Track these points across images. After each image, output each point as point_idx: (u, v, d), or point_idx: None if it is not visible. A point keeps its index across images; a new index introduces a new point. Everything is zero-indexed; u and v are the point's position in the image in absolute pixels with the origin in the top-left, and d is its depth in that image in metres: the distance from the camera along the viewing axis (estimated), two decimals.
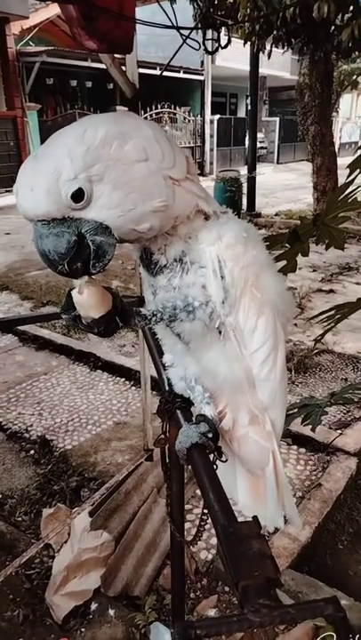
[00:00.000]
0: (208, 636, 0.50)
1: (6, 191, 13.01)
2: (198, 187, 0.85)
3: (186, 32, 1.59)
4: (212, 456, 0.91)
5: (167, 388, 1.03)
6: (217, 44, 1.61)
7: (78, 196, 0.72)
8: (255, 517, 0.64)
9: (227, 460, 0.99)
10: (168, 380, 1.02)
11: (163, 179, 0.78)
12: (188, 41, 1.53)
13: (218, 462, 0.95)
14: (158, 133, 0.80)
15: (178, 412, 0.99)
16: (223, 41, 1.73)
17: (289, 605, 0.53)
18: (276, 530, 2.27)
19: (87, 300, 0.80)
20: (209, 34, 2.18)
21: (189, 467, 0.92)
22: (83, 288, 0.79)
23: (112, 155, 0.74)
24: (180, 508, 1.13)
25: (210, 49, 1.75)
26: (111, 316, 0.80)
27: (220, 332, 0.87)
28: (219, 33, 1.56)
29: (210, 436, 0.91)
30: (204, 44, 1.66)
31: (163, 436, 1.06)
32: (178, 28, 1.54)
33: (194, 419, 0.96)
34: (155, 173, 0.77)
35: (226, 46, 1.57)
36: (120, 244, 0.82)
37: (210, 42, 2.05)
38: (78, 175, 0.72)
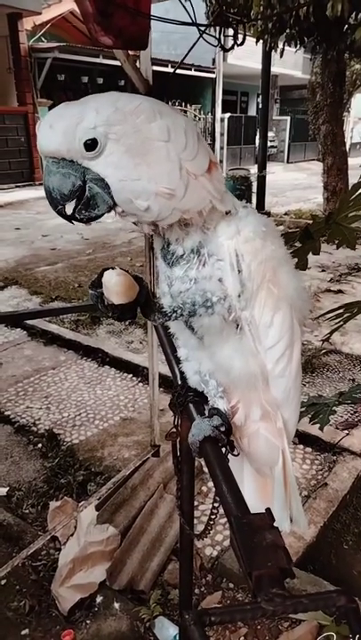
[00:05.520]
0: (222, 622, 0.51)
1: (16, 186, 13.08)
2: (216, 187, 0.83)
3: (202, 28, 1.59)
4: (223, 450, 0.92)
5: (180, 382, 1.03)
6: (233, 41, 1.60)
7: (91, 146, 0.75)
8: (268, 509, 0.65)
9: (239, 454, 0.99)
10: (181, 373, 1.03)
11: (179, 169, 0.79)
12: (206, 37, 1.53)
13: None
14: (189, 127, 0.81)
15: (190, 405, 0.99)
16: (239, 38, 1.73)
17: (302, 595, 0.54)
18: None
19: (113, 285, 0.85)
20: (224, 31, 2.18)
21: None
22: (113, 274, 0.83)
23: (137, 124, 0.76)
24: (190, 501, 1.14)
25: (225, 46, 1.75)
26: (131, 306, 0.82)
27: (237, 327, 0.87)
28: (236, 30, 1.56)
29: (222, 429, 0.92)
30: (219, 40, 1.66)
31: (174, 430, 1.06)
32: (195, 25, 1.54)
33: (206, 412, 0.96)
34: (173, 160, 0.78)
35: (242, 43, 1.57)
36: (122, 217, 0.83)
37: (225, 39, 2.05)
38: (98, 127, 0.75)
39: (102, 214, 0.82)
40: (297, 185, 15.27)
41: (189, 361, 1.01)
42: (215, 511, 0.94)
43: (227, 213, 0.86)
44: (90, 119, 0.74)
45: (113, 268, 0.89)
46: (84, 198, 0.80)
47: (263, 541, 0.59)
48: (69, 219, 0.83)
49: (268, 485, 1.04)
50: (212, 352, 0.92)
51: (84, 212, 0.81)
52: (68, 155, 0.77)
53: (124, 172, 0.77)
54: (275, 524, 0.62)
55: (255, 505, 1.03)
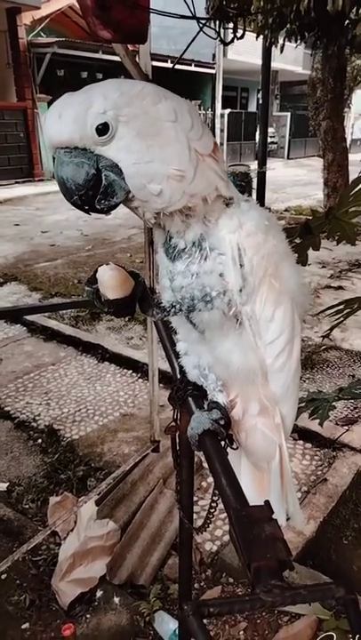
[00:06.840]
0: (220, 614, 0.51)
1: (15, 182, 13.05)
2: (222, 168, 0.84)
3: (201, 21, 1.58)
4: (222, 443, 0.92)
5: (179, 376, 1.03)
6: (232, 35, 1.60)
7: (103, 130, 0.75)
8: (267, 501, 0.65)
9: (237, 448, 0.99)
10: (181, 367, 1.02)
11: (188, 150, 0.79)
12: (206, 30, 1.52)
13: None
14: (192, 108, 0.82)
15: (190, 399, 0.99)
16: (238, 32, 1.72)
17: (300, 587, 0.54)
18: None
19: (107, 280, 0.85)
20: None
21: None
22: (107, 269, 0.83)
23: (143, 105, 0.77)
24: (189, 495, 1.14)
25: (224, 40, 1.74)
26: (126, 302, 0.82)
27: (237, 321, 0.87)
28: (235, 23, 1.55)
29: (222, 422, 0.92)
30: (218, 33, 1.65)
31: (173, 424, 1.06)
32: (195, 18, 1.53)
33: (206, 406, 0.96)
34: (181, 141, 0.78)
35: (242, 37, 1.57)
36: (130, 206, 0.82)
37: (225, 33, 2.04)
38: (107, 111, 0.75)
39: (120, 202, 0.82)
40: (297, 181, 15.24)
41: (189, 355, 1.00)
42: (214, 504, 0.94)
43: (229, 204, 0.86)
44: (99, 104, 0.75)
45: (107, 264, 0.90)
46: (101, 187, 0.79)
47: (262, 533, 0.60)
48: (88, 210, 0.82)
49: (265, 480, 1.04)
50: (213, 346, 0.92)
51: (103, 201, 0.81)
52: (80, 142, 0.76)
53: (136, 156, 0.77)
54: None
55: (252, 499, 1.02)
